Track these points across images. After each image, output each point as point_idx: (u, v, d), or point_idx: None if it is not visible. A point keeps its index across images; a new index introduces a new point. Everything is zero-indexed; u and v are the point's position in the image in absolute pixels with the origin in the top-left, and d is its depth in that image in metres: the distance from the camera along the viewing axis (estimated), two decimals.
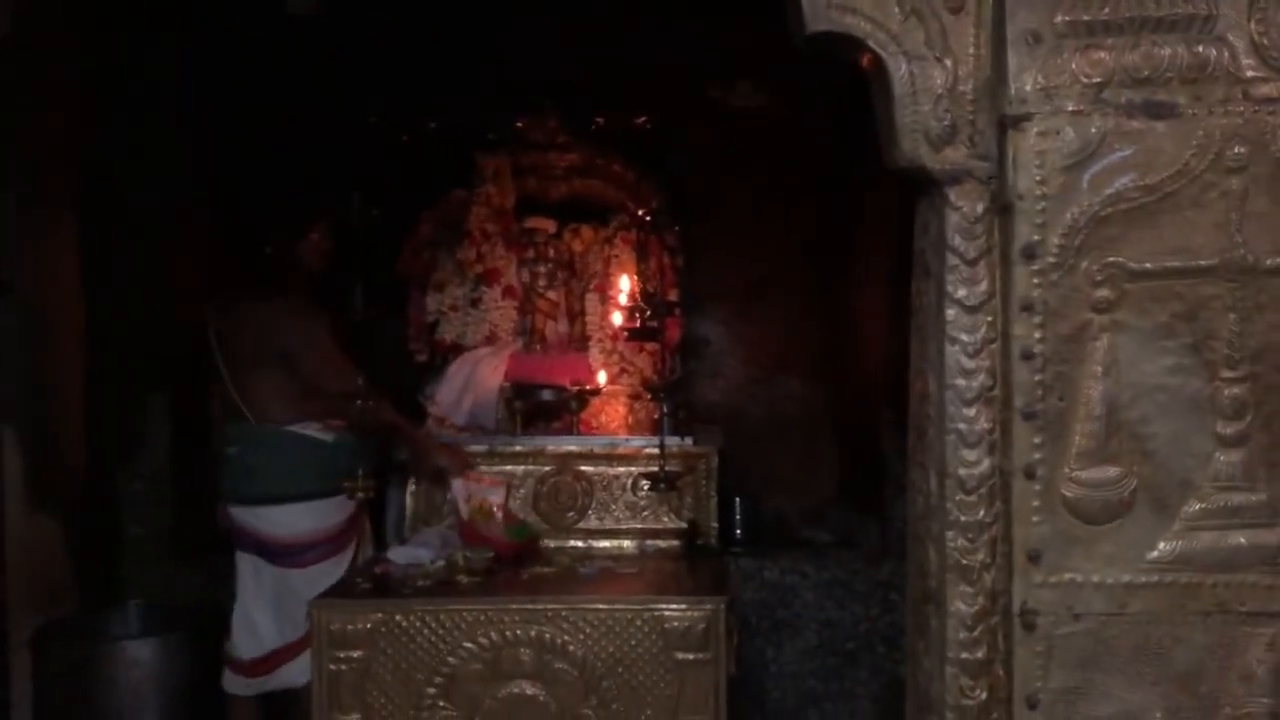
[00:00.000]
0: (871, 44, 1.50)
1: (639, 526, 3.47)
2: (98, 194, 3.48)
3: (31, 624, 3.22)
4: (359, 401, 3.06)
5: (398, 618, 2.71)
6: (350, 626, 2.70)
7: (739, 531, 3.98)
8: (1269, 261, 1.45)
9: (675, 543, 3.41)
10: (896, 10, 1.49)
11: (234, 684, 3.22)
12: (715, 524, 3.55)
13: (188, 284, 3.70)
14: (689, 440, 3.54)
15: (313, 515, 3.20)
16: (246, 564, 3.22)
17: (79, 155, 3.43)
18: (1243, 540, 1.47)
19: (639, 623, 2.72)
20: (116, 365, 3.57)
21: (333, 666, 2.70)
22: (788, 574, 3.72)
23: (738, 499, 3.99)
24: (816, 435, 4.34)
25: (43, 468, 3.29)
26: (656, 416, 3.51)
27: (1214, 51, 1.45)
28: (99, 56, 3.45)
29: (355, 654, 2.70)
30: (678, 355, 3.98)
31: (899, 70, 1.49)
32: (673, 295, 3.89)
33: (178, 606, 3.49)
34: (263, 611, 3.19)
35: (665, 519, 3.47)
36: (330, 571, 3.16)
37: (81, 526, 3.48)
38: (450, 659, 2.72)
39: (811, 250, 4.20)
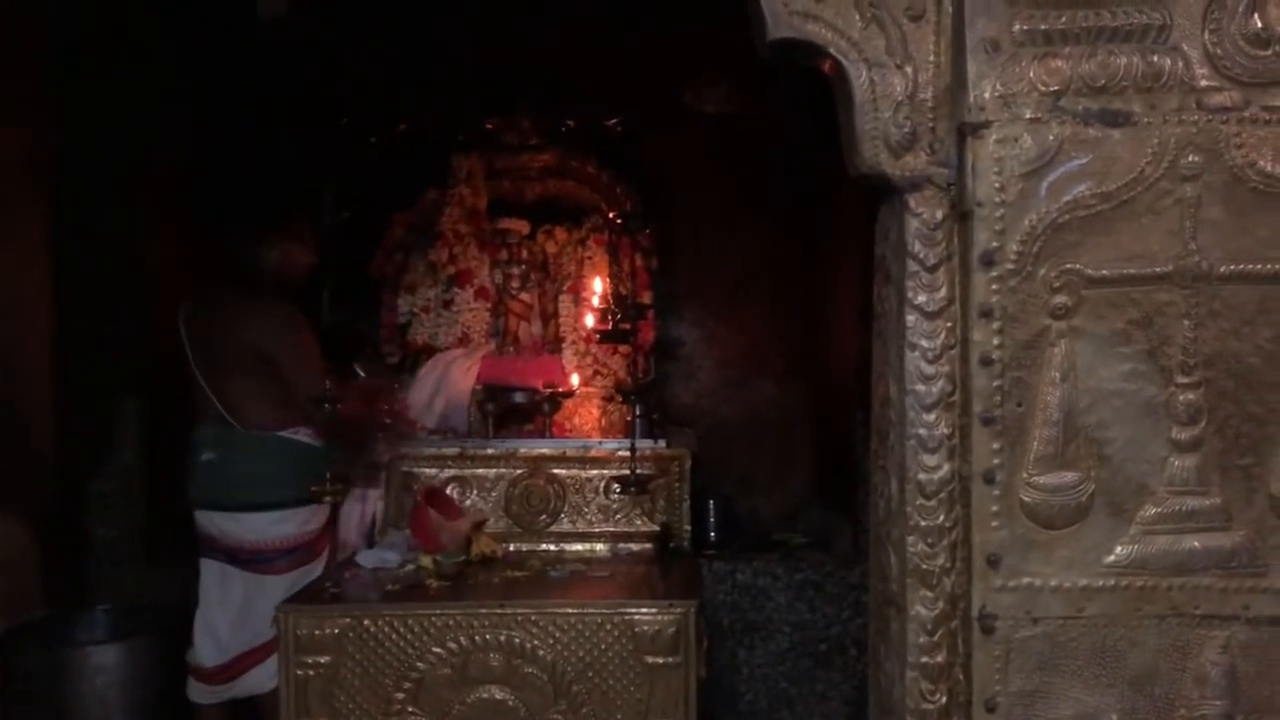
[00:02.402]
0: (832, 51, 1.50)
1: (611, 530, 3.46)
2: (67, 198, 3.44)
3: None
4: (326, 406, 3.03)
5: (365, 622, 2.70)
6: (317, 631, 2.69)
7: (713, 534, 3.99)
8: (1222, 269, 1.47)
9: (648, 546, 3.41)
10: (857, 18, 1.50)
11: (198, 692, 3.19)
12: (688, 527, 3.55)
13: (158, 287, 3.67)
14: (662, 443, 3.54)
15: (293, 521, 3.18)
16: (212, 570, 3.18)
17: (48, 159, 3.39)
18: (1197, 544, 1.48)
19: (609, 627, 2.72)
20: (87, 368, 3.53)
21: (300, 672, 2.69)
22: (760, 576, 3.72)
23: (711, 501, 4.01)
24: (791, 436, 4.37)
25: (11, 471, 3.25)
26: (629, 419, 3.51)
27: (1169, 61, 1.46)
28: (65, 62, 3.41)
29: (323, 659, 2.69)
30: (651, 357, 3.98)
31: (859, 77, 1.50)
32: (646, 297, 3.90)
33: (146, 610, 3.45)
34: (226, 618, 3.16)
35: (638, 522, 3.47)
36: (306, 576, 3.15)
37: (50, 530, 3.44)
38: (419, 664, 2.71)
39: (785, 252, 4.22)
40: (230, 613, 3.16)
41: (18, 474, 3.30)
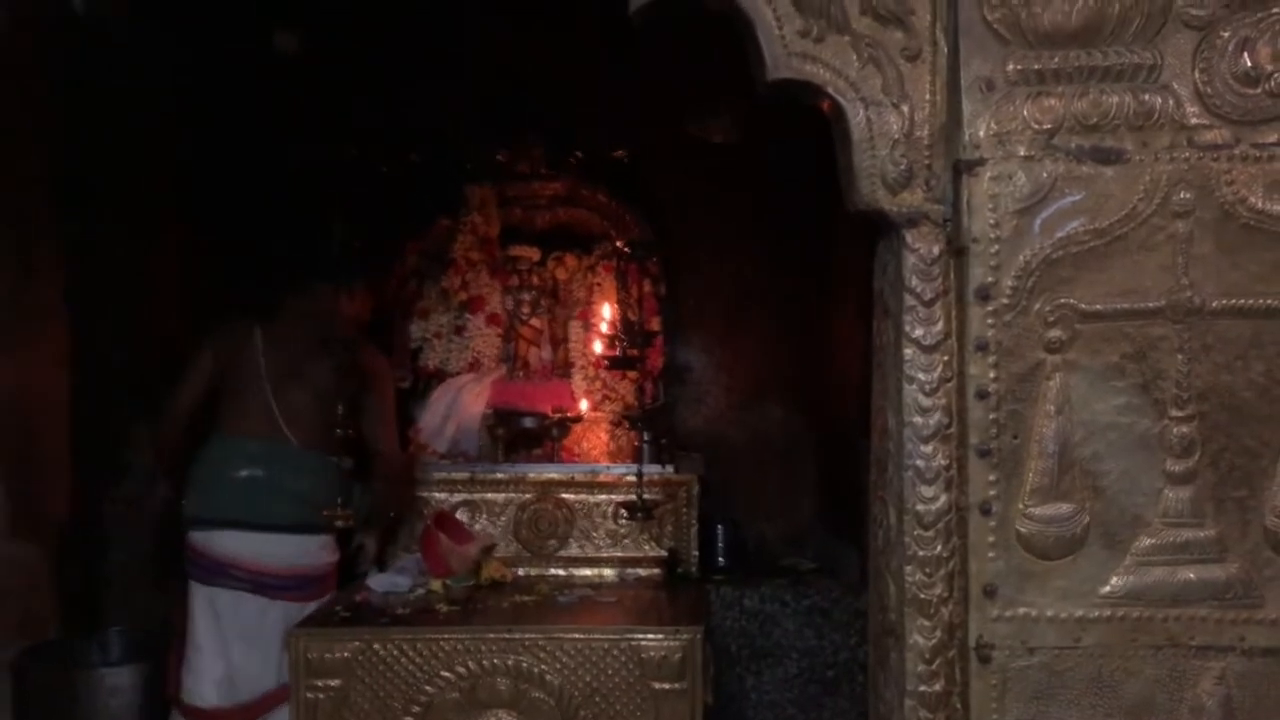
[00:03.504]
0: (831, 91, 1.54)
1: (620, 554, 3.48)
2: (80, 226, 3.50)
3: (12, 649, 3.22)
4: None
5: (375, 646, 2.73)
6: (328, 655, 2.71)
7: (721, 559, 4.00)
8: (1215, 304, 1.49)
9: (656, 571, 3.43)
10: (855, 58, 1.54)
11: None
12: (696, 552, 3.57)
13: (171, 314, 3.73)
14: (670, 468, 3.57)
15: (330, 547, 3.19)
16: (222, 599, 3.04)
17: (61, 187, 3.45)
18: (1192, 575, 1.50)
19: (616, 652, 2.74)
20: (101, 394, 3.59)
21: (310, 695, 2.71)
22: (768, 602, 3.73)
23: (719, 525, 4.02)
24: (798, 461, 4.38)
25: (26, 494, 3.30)
26: (637, 444, 3.54)
27: (1160, 99, 1.49)
28: (78, 86, 3.48)
29: (333, 682, 2.71)
30: (660, 382, 4.01)
31: (857, 116, 1.53)
32: (654, 323, 3.94)
33: (158, 633, 3.48)
34: (249, 650, 3.03)
35: (646, 547, 3.49)
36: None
37: (64, 553, 3.48)
38: (428, 687, 2.73)
39: (789, 279, 4.26)
40: (255, 645, 3.03)
41: (33, 499, 3.35)
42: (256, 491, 3.08)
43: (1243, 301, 1.49)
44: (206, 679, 3.03)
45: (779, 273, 4.30)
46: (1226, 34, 1.49)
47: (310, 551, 3.14)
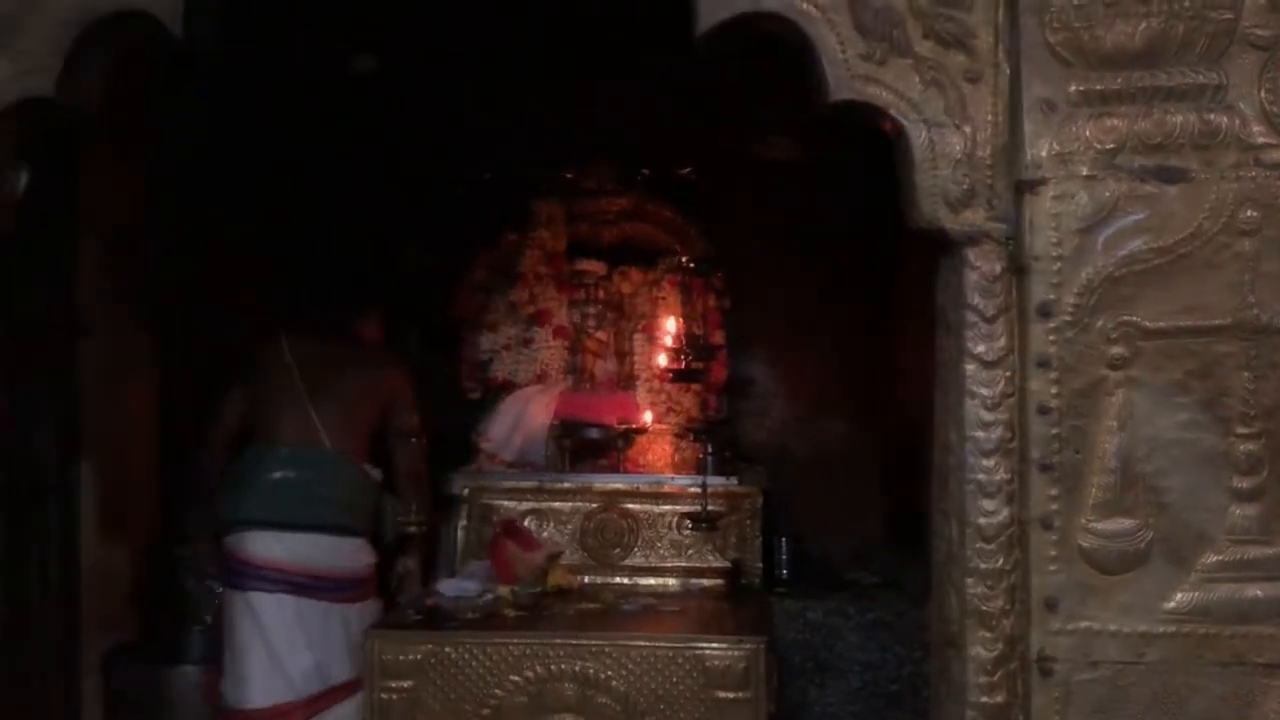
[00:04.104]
0: (893, 112, 1.58)
1: (683, 565, 3.51)
2: (171, 248, 3.66)
3: (101, 648, 3.37)
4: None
5: (447, 649, 2.79)
6: (401, 656, 2.78)
7: (784, 572, 4.01)
8: None
9: (719, 582, 3.45)
10: (917, 80, 1.57)
11: None
12: (759, 564, 3.59)
13: (251, 330, 3.87)
14: (733, 480, 3.59)
15: (365, 551, 3.29)
16: (264, 603, 3.10)
17: (152, 214, 3.62)
18: (1259, 593, 1.50)
19: (680, 660, 2.77)
20: (185, 403, 3.74)
21: (384, 696, 2.78)
22: (831, 615, 3.73)
23: (783, 539, 4.03)
24: (862, 476, 4.38)
25: (115, 499, 3.46)
26: (701, 456, 3.58)
27: (1225, 119, 1.51)
28: (166, 120, 3.64)
29: (406, 684, 2.78)
30: (723, 395, 4.05)
31: (919, 137, 1.57)
32: (718, 337, 3.98)
33: None
34: (301, 650, 3.11)
35: (709, 558, 3.51)
36: (373, 608, 3.25)
37: (148, 557, 3.63)
38: (497, 691, 2.78)
39: (854, 294, 4.27)
40: (304, 645, 3.11)
41: (121, 504, 3.50)
42: (289, 493, 3.17)
43: None
44: (255, 681, 3.09)
45: (842, 288, 4.32)
46: None
47: (345, 553, 3.24)
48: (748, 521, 3.60)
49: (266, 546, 3.13)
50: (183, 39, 1.71)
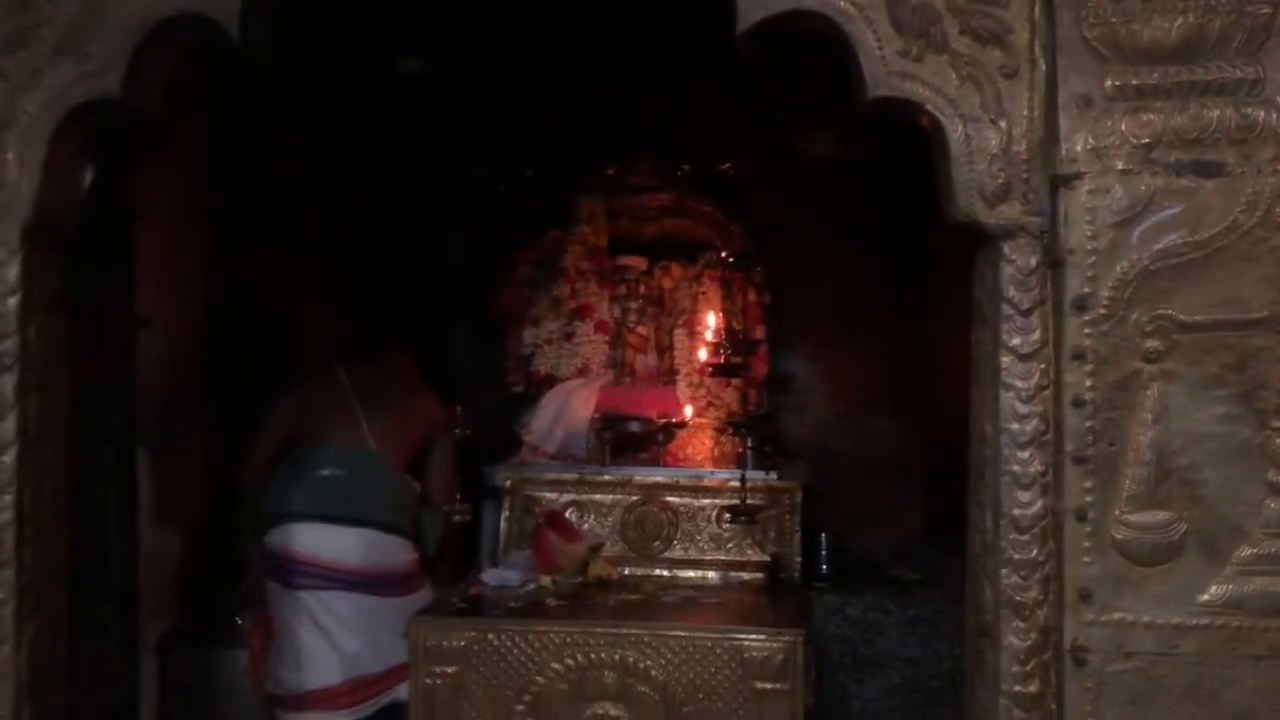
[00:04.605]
0: (930, 108, 1.60)
1: (723, 558, 3.54)
2: (223, 243, 3.77)
3: (155, 631, 3.48)
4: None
5: (490, 636, 2.85)
6: (445, 643, 2.84)
7: (824, 566, 4.03)
8: None
9: (759, 575, 3.47)
10: (954, 76, 1.60)
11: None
12: (798, 558, 3.61)
13: (307, 325, 3.97)
14: (773, 475, 3.62)
15: (408, 549, 3.39)
16: (311, 600, 3.20)
17: (207, 209, 3.72)
18: None
19: (719, 651, 2.80)
20: (236, 394, 3.84)
21: (428, 681, 2.84)
22: (870, 611, 3.74)
23: (823, 534, 4.05)
24: (904, 472, 4.38)
25: (169, 486, 3.57)
26: (740, 450, 3.61)
27: (1262, 113, 1.51)
28: (221, 119, 3.74)
29: (450, 669, 2.84)
30: (764, 390, 4.07)
31: (956, 132, 1.59)
32: (758, 332, 4.00)
33: None
34: (354, 637, 3.22)
35: (749, 551, 3.54)
36: (419, 602, 3.30)
37: (202, 541, 3.74)
38: (538, 678, 2.84)
39: (895, 290, 4.27)
40: (356, 633, 3.22)
41: (175, 490, 3.61)
42: (336, 488, 3.27)
43: None
44: (305, 667, 3.20)
45: (884, 284, 4.33)
46: None
47: (388, 550, 3.32)
48: (787, 516, 3.61)
49: (312, 539, 3.22)
50: (239, 41, 1.77)
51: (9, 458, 1.86)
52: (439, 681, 2.84)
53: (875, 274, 4.30)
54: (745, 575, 3.48)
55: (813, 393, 4.51)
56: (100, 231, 2.98)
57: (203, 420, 3.81)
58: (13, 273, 1.84)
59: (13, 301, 1.85)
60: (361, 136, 4.01)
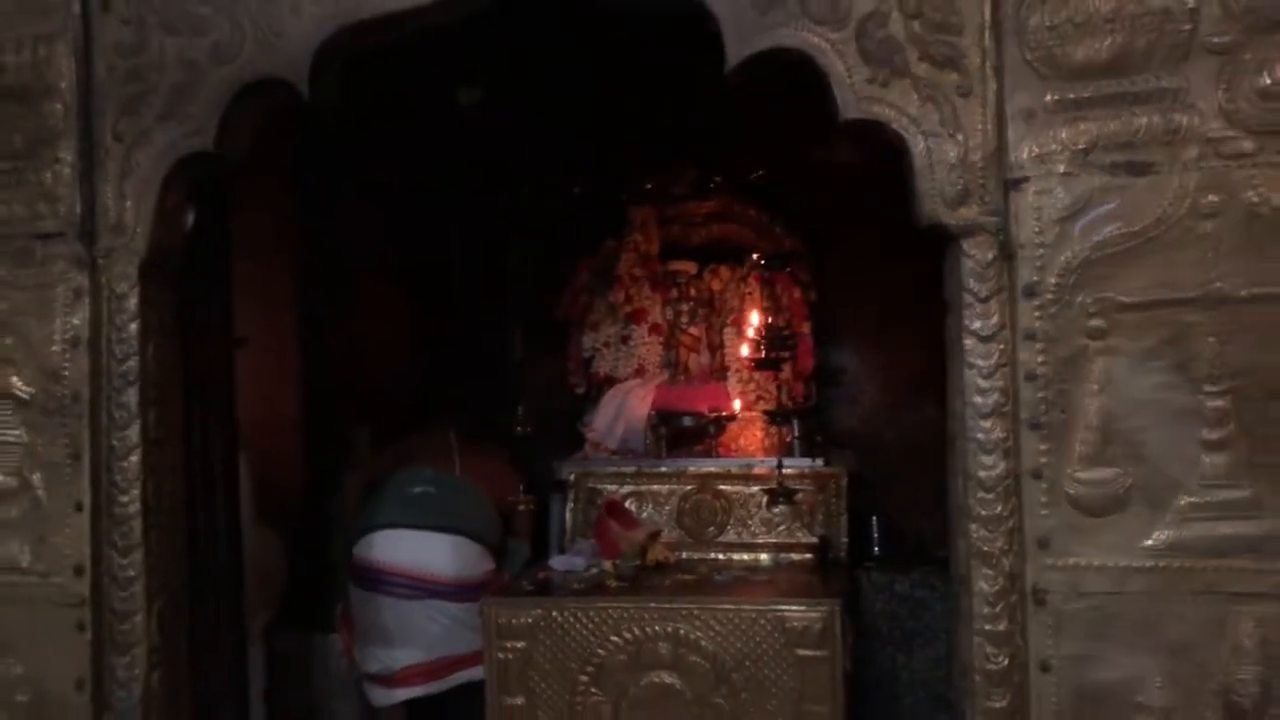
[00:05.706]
0: (896, 127, 1.84)
1: (774, 541, 3.76)
2: (313, 268, 4.14)
3: (260, 619, 3.86)
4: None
5: (554, 614, 3.13)
6: (515, 620, 3.14)
7: (876, 549, 4.22)
8: (1244, 292, 1.70)
9: (808, 556, 3.68)
10: (915, 97, 1.83)
11: (389, 696, 3.54)
12: (845, 539, 3.82)
13: (382, 339, 4.33)
14: (819, 462, 3.84)
15: (489, 559, 3.70)
16: (393, 603, 3.52)
17: (296, 239, 4.10)
18: (1230, 530, 1.70)
19: (763, 621, 3.04)
20: (327, 407, 4.21)
21: (501, 655, 3.14)
22: (917, 587, 3.93)
23: (874, 518, 4.24)
24: None
25: (267, 487, 3.94)
26: (787, 440, 3.85)
27: (1186, 117, 1.72)
28: (307, 162, 4.11)
29: (519, 644, 3.13)
30: (811, 383, 4.29)
31: (919, 146, 1.83)
32: (805, 328, 4.23)
33: None
34: (423, 630, 3.52)
35: (798, 534, 3.76)
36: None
37: (297, 541, 4.11)
38: (599, 650, 3.11)
39: (938, 282, 4.43)
40: (428, 623, 3.53)
41: (273, 492, 3.98)
42: (427, 502, 3.59)
43: (1271, 289, 1.69)
44: (386, 654, 3.53)
45: (934, 278, 4.48)
46: (1248, 56, 1.70)
47: (468, 557, 3.60)
48: (834, 500, 3.82)
49: (393, 547, 3.54)
50: (309, 99, 2.10)
51: (135, 458, 2.23)
52: (510, 655, 3.13)
53: (926, 269, 4.44)
54: (795, 556, 3.70)
55: (863, 384, 4.68)
56: (202, 261, 3.35)
57: (298, 430, 4.17)
58: (132, 303, 2.21)
59: (134, 327, 2.21)
60: (428, 166, 4.36)
